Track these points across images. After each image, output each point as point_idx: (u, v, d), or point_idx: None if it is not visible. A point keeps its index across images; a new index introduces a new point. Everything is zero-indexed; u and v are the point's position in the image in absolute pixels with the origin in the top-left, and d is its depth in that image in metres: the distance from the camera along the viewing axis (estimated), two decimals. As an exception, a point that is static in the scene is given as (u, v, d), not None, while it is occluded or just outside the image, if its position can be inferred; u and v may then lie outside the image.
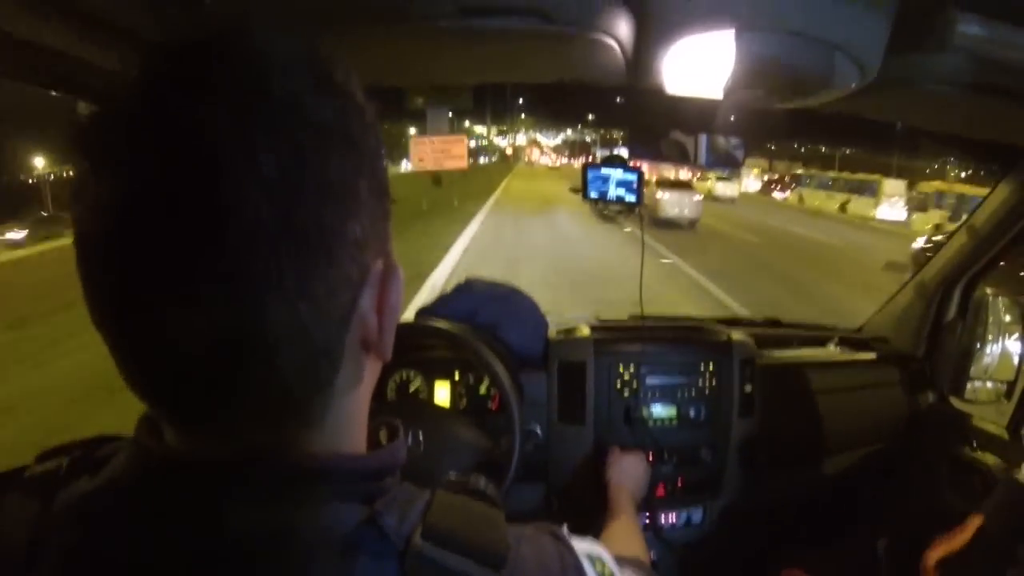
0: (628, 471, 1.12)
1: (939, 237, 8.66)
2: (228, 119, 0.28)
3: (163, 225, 0.28)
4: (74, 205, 0.30)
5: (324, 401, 0.34)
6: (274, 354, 0.30)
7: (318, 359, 0.32)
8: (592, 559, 0.42)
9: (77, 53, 0.69)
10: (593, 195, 1.09)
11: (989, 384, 1.41)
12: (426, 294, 6.04)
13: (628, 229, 10.67)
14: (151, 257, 0.28)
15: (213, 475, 0.32)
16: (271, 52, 0.31)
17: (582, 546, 0.43)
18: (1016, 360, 1.39)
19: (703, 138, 0.91)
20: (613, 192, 1.08)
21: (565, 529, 0.43)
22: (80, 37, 0.67)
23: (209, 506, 0.31)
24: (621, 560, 0.48)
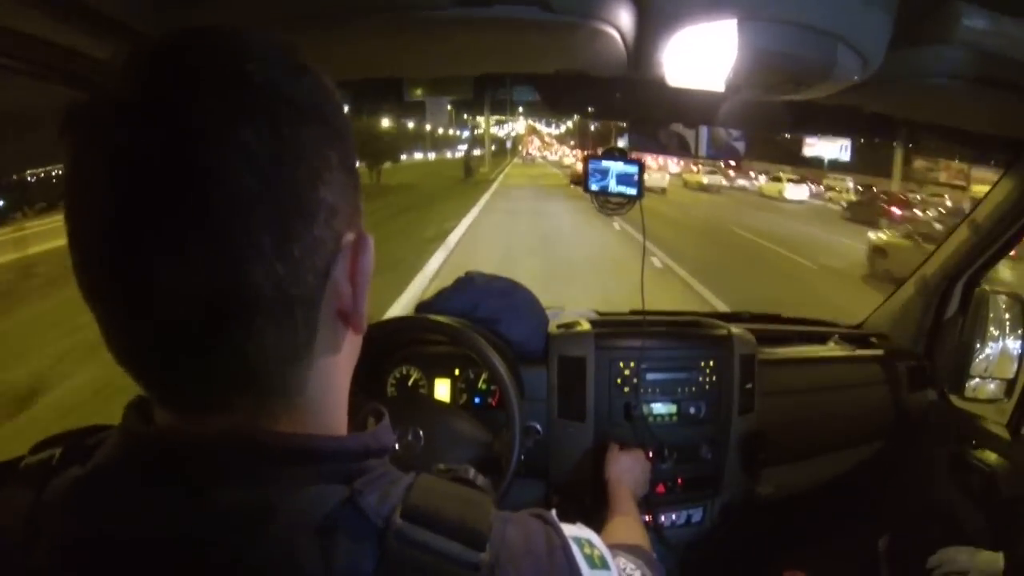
0: (628, 468, 1.12)
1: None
2: (210, 100, 0.31)
3: (150, 192, 0.30)
4: (65, 188, 0.32)
5: (303, 371, 0.35)
6: (252, 313, 0.31)
7: (295, 321, 0.33)
8: (580, 541, 0.42)
9: (78, 48, 0.69)
10: (594, 188, 1.09)
11: (989, 382, 1.41)
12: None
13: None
14: (139, 224, 0.30)
15: (196, 456, 0.33)
16: (247, 43, 0.33)
17: (571, 529, 0.43)
18: (1016, 358, 1.39)
19: (704, 130, 0.91)
20: (614, 186, 1.07)
21: (554, 513, 0.43)
22: (81, 31, 0.67)
23: (193, 488, 0.32)
24: (616, 546, 0.48)
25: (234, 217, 0.30)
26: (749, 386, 1.31)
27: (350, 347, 0.39)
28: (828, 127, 1.10)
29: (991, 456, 1.34)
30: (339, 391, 0.39)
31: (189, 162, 0.30)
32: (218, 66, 0.32)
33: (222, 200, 0.30)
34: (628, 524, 0.93)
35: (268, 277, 0.31)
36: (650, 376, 1.26)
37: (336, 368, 0.38)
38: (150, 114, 0.30)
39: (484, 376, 1.26)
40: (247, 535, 0.31)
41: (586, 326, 1.30)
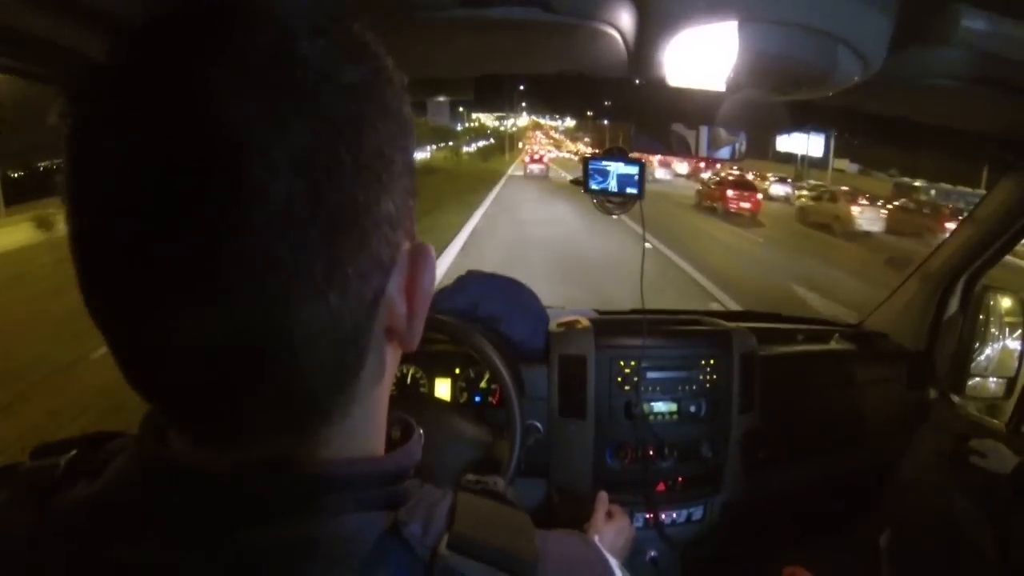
0: (611, 543, 1.02)
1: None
2: (252, 88, 0.25)
3: (179, 211, 0.24)
4: (69, 191, 0.27)
5: (348, 397, 0.31)
6: (299, 351, 0.27)
7: (345, 353, 0.29)
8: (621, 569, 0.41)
9: (72, 45, 0.68)
10: (594, 188, 1.09)
11: (990, 380, 1.42)
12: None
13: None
14: (165, 248, 0.25)
15: (224, 485, 0.29)
16: (292, 12, 0.27)
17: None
18: (1017, 357, 1.40)
19: (704, 130, 0.91)
20: (614, 186, 1.07)
21: (596, 538, 0.43)
22: (76, 29, 0.66)
23: (220, 519, 0.29)
24: None
25: (280, 241, 0.25)
26: (749, 384, 1.31)
27: (393, 364, 0.35)
28: (828, 127, 1.11)
29: (991, 455, 1.34)
30: (381, 412, 0.36)
31: (225, 173, 0.24)
32: (261, 46, 0.25)
33: (266, 221, 0.24)
34: None
35: (319, 309, 0.27)
36: (650, 374, 1.26)
37: (381, 390, 0.34)
38: (174, 111, 0.24)
39: (485, 375, 1.26)
40: (282, 571, 0.29)
41: (586, 325, 1.31)
